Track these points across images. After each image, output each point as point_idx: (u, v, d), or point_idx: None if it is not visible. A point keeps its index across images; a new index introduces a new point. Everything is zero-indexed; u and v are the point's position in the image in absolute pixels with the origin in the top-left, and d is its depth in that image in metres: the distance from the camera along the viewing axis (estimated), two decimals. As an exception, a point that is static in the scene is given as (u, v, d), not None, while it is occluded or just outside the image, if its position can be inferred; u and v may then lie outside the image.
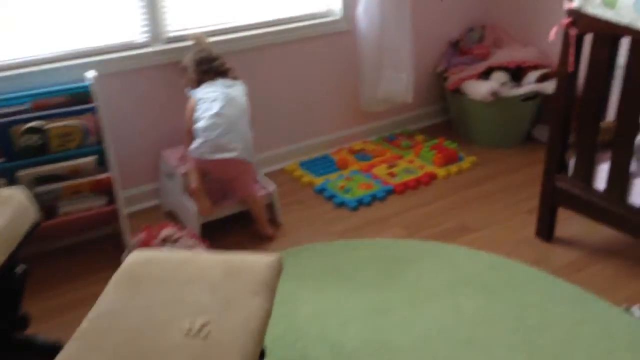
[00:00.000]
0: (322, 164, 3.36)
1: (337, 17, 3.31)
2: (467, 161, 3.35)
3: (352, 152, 3.47)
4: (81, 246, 2.74)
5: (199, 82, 2.72)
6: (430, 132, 3.72)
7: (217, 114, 2.60)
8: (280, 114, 3.32)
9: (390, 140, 3.61)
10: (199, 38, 2.82)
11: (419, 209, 2.95)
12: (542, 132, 3.48)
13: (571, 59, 2.32)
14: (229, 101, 2.64)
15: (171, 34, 2.90)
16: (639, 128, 2.25)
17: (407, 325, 2.18)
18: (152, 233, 2.56)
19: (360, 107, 3.49)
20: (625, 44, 2.27)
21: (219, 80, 2.71)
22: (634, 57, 2.18)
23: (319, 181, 3.19)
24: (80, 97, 2.55)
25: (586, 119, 2.39)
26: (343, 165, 3.30)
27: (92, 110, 2.52)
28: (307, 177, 3.23)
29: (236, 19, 3.08)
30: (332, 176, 3.23)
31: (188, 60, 2.76)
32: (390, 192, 3.09)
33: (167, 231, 2.57)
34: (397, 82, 3.35)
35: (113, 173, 2.56)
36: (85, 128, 2.53)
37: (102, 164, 2.60)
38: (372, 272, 2.47)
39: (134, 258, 1.75)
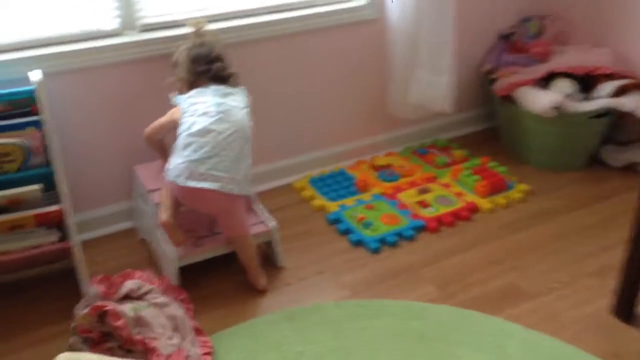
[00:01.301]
0: (338, 183, 2.74)
1: (362, 2, 2.64)
2: (518, 190, 2.71)
3: (375, 167, 2.85)
4: (28, 284, 2.19)
5: (190, 86, 2.11)
6: (471, 144, 3.07)
7: (202, 131, 1.99)
8: (288, 118, 2.69)
9: (422, 153, 2.97)
10: (199, 26, 2.19)
11: (457, 256, 2.33)
12: (613, 155, 2.82)
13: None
14: (222, 115, 2.03)
15: (149, 20, 2.27)
16: None
17: None
18: (113, 285, 1.99)
19: (386, 110, 2.85)
20: None
21: (211, 86, 2.09)
22: None
23: (333, 207, 2.57)
24: (21, 105, 1.95)
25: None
26: (363, 187, 2.68)
27: (36, 124, 1.92)
28: (319, 200, 2.62)
29: (230, 3, 2.43)
30: (350, 201, 2.61)
31: (181, 54, 2.13)
32: (420, 228, 2.47)
33: (132, 283, 2.00)
34: (434, 86, 2.69)
35: (64, 204, 1.97)
36: (27, 146, 1.93)
37: (51, 191, 2.01)
38: (392, 357, 1.88)
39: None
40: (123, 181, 2.39)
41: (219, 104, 2.04)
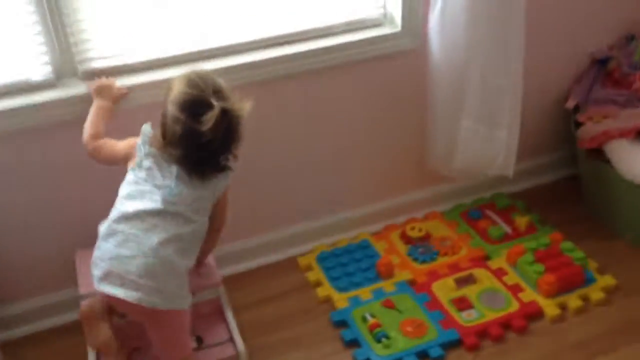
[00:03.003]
0: (355, 262, 2.11)
1: (397, 30, 1.94)
2: (600, 286, 1.97)
3: (406, 238, 2.18)
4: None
5: (164, 147, 1.51)
6: (543, 203, 2.33)
7: (129, 216, 1.47)
8: (299, 171, 2.09)
9: (473, 217, 2.27)
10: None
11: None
12: None
13: None
14: (168, 215, 1.47)
15: (94, 63, 1.71)
16: None
17: None
18: None
19: (424, 163, 2.18)
20: None
21: (176, 169, 1.50)
22: None
23: (341, 300, 1.96)
24: None
25: None
26: (386, 271, 2.04)
27: None
28: (326, 288, 2.02)
29: (228, 33, 1.83)
30: (365, 292, 1.99)
31: (172, 102, 1.47)
32: (453, 344, 1.82)
33: None
34: (489, 142, 1.98)
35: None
36: None
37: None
38: None
39: None
40: (61, 266, 1.86)
41: (172, 194, 1.48)
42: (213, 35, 1.79)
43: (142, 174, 1.51)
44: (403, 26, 1.92)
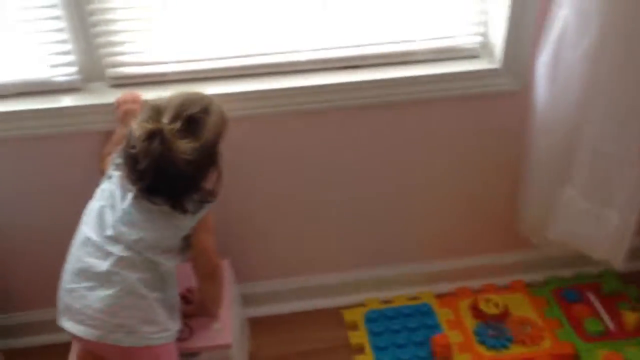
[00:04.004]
0: (409, 330, 1.76)
1: (495, 65, 1.53)
2: None
3: (476, 311, 1.79)
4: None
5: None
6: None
7: (86, 241, 1.28)
8: (357, 211, 1.77)
9: (567, 298, 1.82)
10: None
11: None
12: None
13: None
14: (121, 243, 1.26)
15: (124, 69, 1.48)
16: None
17: None
18: None
19: (513, 225, 1.76)
20: None
21: (131, 195, 1.27)
22: None
23: (380, 377, 1.64)
24: None
25: None
26: (443, 353, 1.67)
27: None
28: (368, 358, 1.69)
29: (278, 49, 1.52)
30: (411, 373, 1.65)
31: (138, 123, 1.22)
32: None
33: None
34: (597, 221, 1.53)
35: None
36: None
37: None
38: None
39: None
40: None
41: (123, 221, 1.26)
42: (264, 50, 1.50)
43: (107, 189, 1.30)
44: (504, 62, 1.50)
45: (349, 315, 1.83)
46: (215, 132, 1.25)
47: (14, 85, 1.46)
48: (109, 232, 1.25)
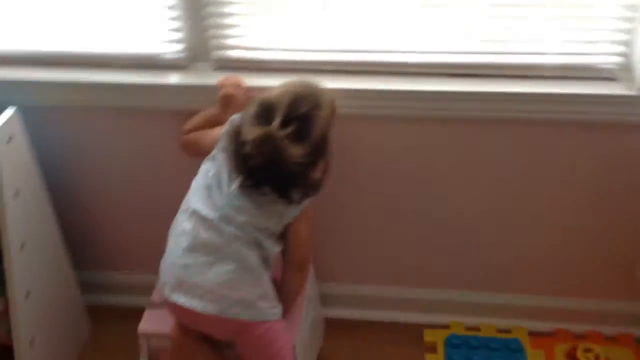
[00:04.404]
0: (491, 362, 1.63)
1: (635, 92, 1.32)
2: None
3: (573, 358, 1.60)
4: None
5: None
6: None
7: (196, 215, 1.28)
8: (461, 228, 1.64)
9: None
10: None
11: None
12: None
13: None
14: (223, 213, 1.27)
15: (232, 53, 1.46)
16: None
17: None
18: None
19: (634, 272, 1.56)
20: None
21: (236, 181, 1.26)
22: None
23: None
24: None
25: None
26: (524, 397, 1.53)
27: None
28: (440, 385, 1.59)
29: (391, 48, 1.42)
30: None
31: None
32: None
33: None
34: None
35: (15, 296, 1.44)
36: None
37: None
38: None
39: None
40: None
41: (230, 205, 1.27)
42: (373, 47, 1.40)
43: (212, 169, 1.31)
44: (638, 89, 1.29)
45: (429, 336, 1.72)
46: (325, 126, 1.25)
47: (124, 57, 1.49)
48: (220, 212, 1.26)
